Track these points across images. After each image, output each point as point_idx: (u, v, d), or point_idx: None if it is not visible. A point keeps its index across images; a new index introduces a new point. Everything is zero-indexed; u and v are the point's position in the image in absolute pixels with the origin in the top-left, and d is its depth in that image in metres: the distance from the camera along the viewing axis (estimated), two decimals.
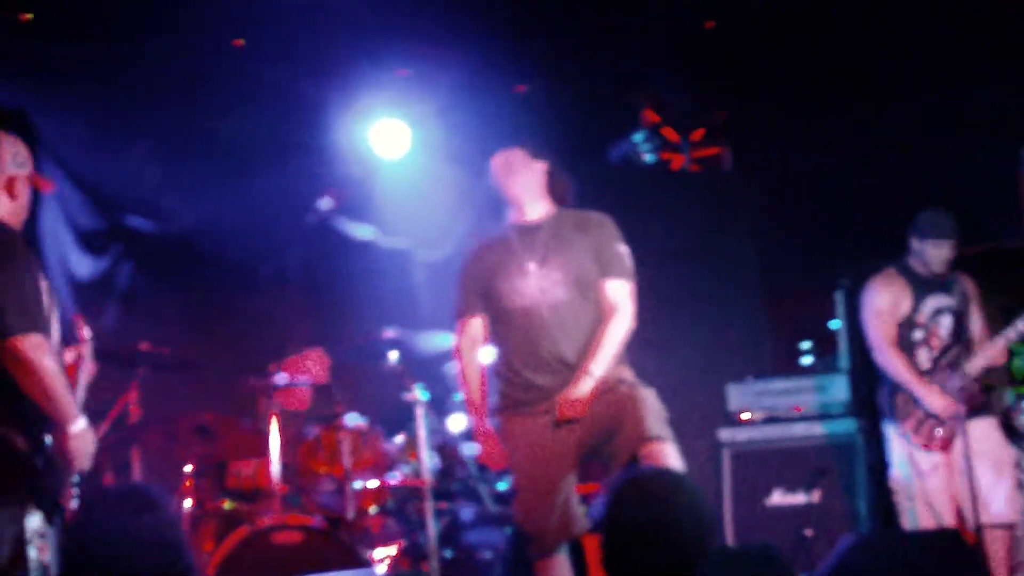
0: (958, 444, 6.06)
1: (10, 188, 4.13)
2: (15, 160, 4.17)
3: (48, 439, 3.96)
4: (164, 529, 3.17)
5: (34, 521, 3.87)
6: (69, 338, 4.41)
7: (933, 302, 6.40)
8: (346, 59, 7.57)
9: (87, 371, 4.44)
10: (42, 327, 3.91)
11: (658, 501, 2.90)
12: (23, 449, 3.89)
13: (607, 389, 4.96)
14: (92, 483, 4.05)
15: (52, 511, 3.95)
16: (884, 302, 6.42)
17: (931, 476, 6.27)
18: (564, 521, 5.01)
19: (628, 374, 5.09)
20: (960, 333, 6.32)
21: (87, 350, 4.46)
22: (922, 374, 6.31)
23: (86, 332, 4.50)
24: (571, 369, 5.00)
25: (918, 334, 6.38)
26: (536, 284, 5.07)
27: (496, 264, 5.18)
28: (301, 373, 6.80)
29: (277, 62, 7.12)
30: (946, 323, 6.38)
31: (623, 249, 5.17)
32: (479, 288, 5.23)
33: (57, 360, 3.98)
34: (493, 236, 5.31)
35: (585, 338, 5.04)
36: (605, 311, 5.09)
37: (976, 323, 6.44)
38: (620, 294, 5.11)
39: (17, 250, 3.98)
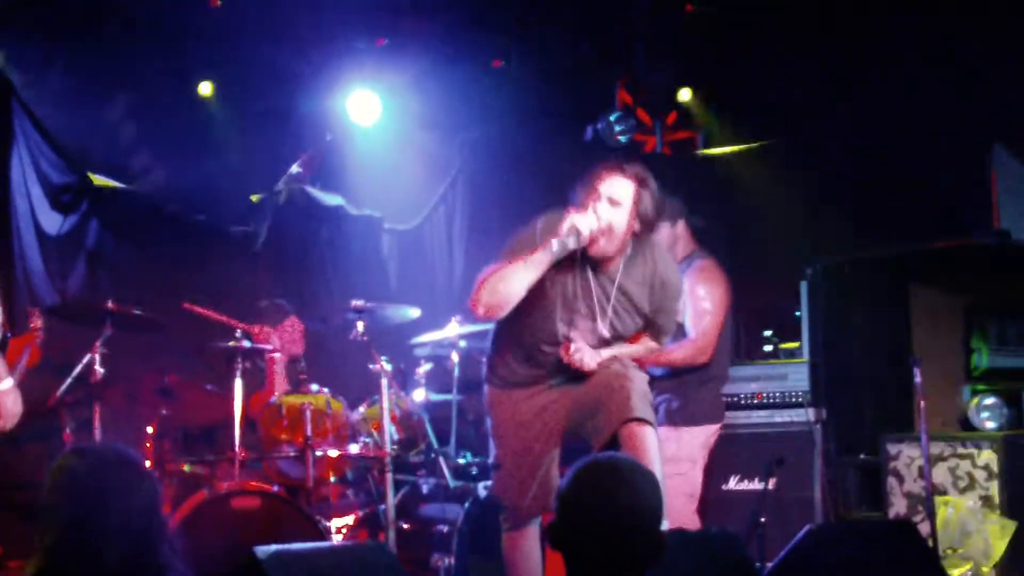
0: None
1: None
2: None
3: None
4: (146, 495, 3.14)
5: None
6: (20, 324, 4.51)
7: None
8: (322, 26, 7.52)
9: (28, 357, 4.59)
10: None
11: (606, 491, 2.89)
12: None
13: (601, 365, 4.97)
14: (58, 440, 4.21)
15: None
16: None
17: None
18: (541, 495, 5.05)
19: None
20: None
21: (37, 340, 4.62)
22: None
23: (38, 322, 4.62)
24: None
25: None
26: (582, 327, 4.97)
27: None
28: (272, 340, 6.80)
29: (254, 27, 7.06)
30: None
31: (676, 309, 5.21)
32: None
33: None
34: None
35: None
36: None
37: None
38: (658, 342, 5.21)
39: None
